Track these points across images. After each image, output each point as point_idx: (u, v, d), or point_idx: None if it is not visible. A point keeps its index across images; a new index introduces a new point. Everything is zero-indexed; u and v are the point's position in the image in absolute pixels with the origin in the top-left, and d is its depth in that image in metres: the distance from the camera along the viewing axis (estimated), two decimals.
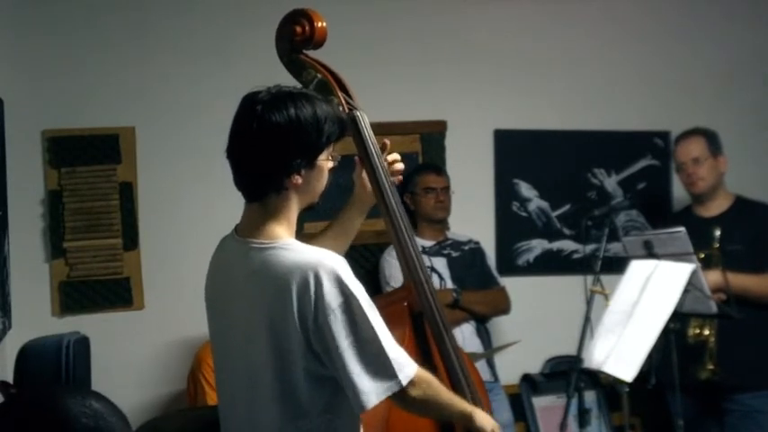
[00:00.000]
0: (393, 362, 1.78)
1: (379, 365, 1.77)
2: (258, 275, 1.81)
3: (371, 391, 1.76)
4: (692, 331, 3.34)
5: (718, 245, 3.34)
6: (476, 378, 2.44)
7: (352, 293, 1.76)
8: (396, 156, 2.19)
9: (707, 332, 3.31)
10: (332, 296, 1.74)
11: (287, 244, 1.82)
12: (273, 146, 1.79)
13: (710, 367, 3.28)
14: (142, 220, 3.76)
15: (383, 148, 2.18)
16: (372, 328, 1.77)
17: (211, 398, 3.27)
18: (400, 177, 2.22)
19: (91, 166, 3.71)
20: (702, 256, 3.22)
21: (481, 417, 2.00)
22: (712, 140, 3.54)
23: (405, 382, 1.79)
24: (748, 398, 3.30)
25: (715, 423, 3.40)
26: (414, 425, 2.14)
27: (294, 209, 1.88)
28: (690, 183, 3.54)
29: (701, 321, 3.31)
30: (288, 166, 1.80)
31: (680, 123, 3.94)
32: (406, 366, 1.81)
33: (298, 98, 1.83)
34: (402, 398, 1.82)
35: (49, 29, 3.68)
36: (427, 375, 1.89)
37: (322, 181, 1.90)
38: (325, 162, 1.88)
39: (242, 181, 1.86)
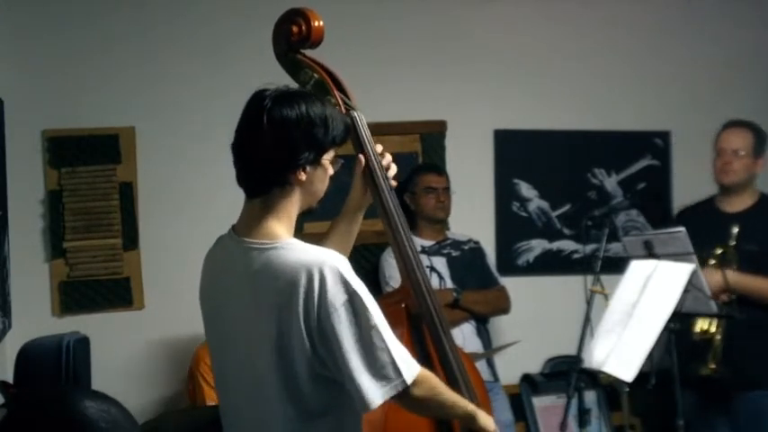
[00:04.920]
0: (397, 361, 1.77)
1: (382, 364, 1.76)
2: (260, 276, 1.80)
3: (375, 390, 1.75)
4: (699, 327, 3.28)
5: (734, 242, 3.27)
6: (476, 379, 2.43)
7: (355, 292, 1.75)
8: (389, 157, 2.17)
9: (713, 330, 3.26)
10: (335, 295, 1.73)
11: (288, 243, 1.82)
12: (283, 139, 1.79)
13: (712, 366, 3.25)
14: (142, 220, 3.76)
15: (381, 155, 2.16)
16: (375, 326, 1.76)
17: (210, 396, 3.28)
18: (394, 183, 2.20)
19: (91, 166, 3.71)
20: (719, 252, 3.19)
21: (484, 417, 2.00)
22: (759, 140, 3.42)
23: (409, 382, 1.79)
24: (758, 396, 3.27)
25: (723, 421, 3.37)
26: (412, 426, 2.13)
27: (295, 207, 1.87)
28: (721, 171, 3.41)
29: (709, 319, 3.27)
30: (295, 159, 1.80)
31: (680, 123, 3.95)
32: (410, 366, 1.81)
33: (308, 97, 1.85)
34: (406, 397, 1.81)
35: (49, 29, 3.68)
36: (430, 375, 1.89)
37: (324, 183, 1.89)
38: (329, 163, 1.88)
39: (247, 175, 1.86)
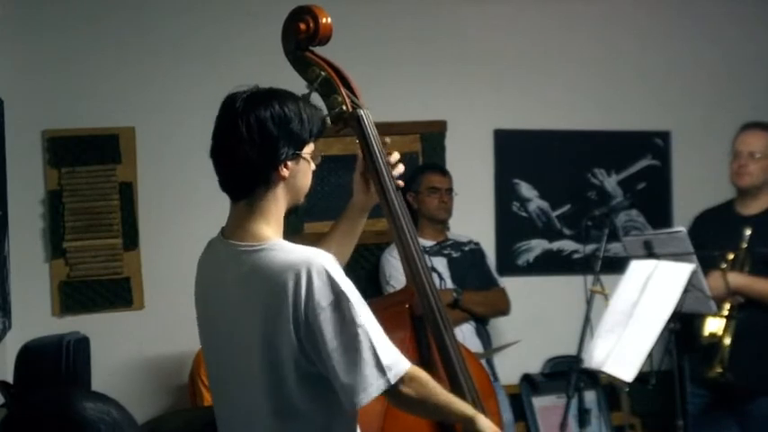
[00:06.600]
0: (383, 359, 1.77)
1: (368, 363, 1.75)
2: (249, 278, 1.81)
3: (362, 388, 1.75)
4: (707, 331, 3.24)
5: (746, 245, 3.24)
6: (481, 377, 2.41)
7: (342, 291, 1.75)
8: (396, 155, 2.17)
9: (720, 333, 3.24)
10: (322, 294, 1.74)
11: (276, 245, 1.82)
12: (260, 137, 1.80)
13: (719, 370, 3.22)
14: (142, 220, 3.76)
15: (384, 147, 2.16)
16: (362, 325, 1.76)
17: (209, 401, 3.27)
18: (401, 182, 2.19)
19: (91, 166, 3.71)
20: (732, 256, 3.17)
21: (484, 421, 1.96)
22: None
23: (394, 380, 1.78)
24: None
25: (731, 423, 3.34)
26: (410, 428, 2.12)
27: (281, 206, 1.87)
28: (737, 173, 3.37)
29: (718, 322, 3.24)
30: (276, 156, 1.81)
31: (680, 123, 3.93)
32: (398, 363, 1.80)
33: (281, 94, 1.86)
34: (394, 395, 1.81)
35: (49, 29, 3.69)
36: (422, 374, 1.87)
37: (307, 178, 1.90)
38: (310, 157, 1.88)
39: (229, 179, 1.87)
